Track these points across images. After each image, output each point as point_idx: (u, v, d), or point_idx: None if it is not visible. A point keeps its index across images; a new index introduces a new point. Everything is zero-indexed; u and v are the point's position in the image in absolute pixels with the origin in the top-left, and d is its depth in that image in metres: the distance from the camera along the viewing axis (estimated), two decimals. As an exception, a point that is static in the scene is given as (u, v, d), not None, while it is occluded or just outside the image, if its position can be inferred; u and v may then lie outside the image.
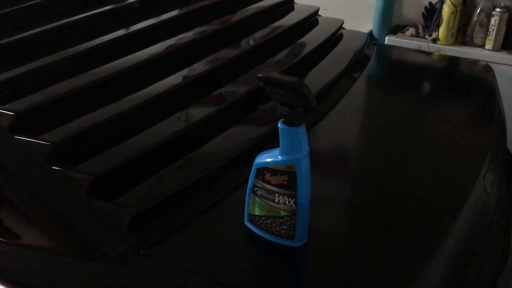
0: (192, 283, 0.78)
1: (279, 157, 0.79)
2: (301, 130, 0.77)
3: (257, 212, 0.85)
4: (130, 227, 0.85)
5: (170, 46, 1.28)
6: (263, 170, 0.81)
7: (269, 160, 0.81)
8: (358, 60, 1.49)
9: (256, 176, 0.83)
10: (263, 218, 0.84)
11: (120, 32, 1.28)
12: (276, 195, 0.81)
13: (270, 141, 1.08)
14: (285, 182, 0.80)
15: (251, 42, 1.41)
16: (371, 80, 1.44)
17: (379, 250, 0.84)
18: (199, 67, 1.25)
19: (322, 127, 1.17)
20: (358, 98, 1.34)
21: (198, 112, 1.11)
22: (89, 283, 0.80)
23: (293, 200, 0.80)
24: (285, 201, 0.81)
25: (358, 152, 1.16)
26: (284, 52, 1.41)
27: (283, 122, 0.77)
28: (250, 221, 0.86)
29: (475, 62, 1.63)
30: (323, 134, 1.17)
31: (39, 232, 0.88)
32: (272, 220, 0.83)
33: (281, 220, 0.82)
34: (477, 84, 1.48)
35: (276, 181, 0.80)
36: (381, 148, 1.14)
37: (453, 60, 1.65)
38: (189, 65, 1.25)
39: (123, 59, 1.19)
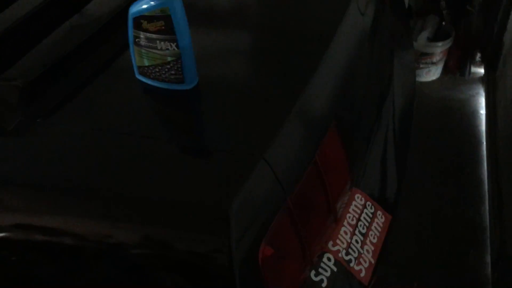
0: (99, 140, 0.81)
1: (152, 2, 0.80)
2: (168, -28, 0.77)
3: (144, 63, 0.87)
4: (21, 100, 0.85)
5: None
6: (139, 19, 0.82)
7: (142, 7, 0.81)
8: None
9: (134, 27, 0.83)
10: (151, 68, 0.86)
11: None
12: (158, 41, 0.83)
13: None
14: (163, 27, 0.81)
15: None
16: None
17: (261, 79, 0.90)
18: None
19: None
20: None
21: None
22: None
23: (175, 43, 0.82)
24: (168, 46, 0.83)
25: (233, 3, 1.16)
26: None
27: (148, -34, 0.77)
28: (140, 73, 0.89)
29: None
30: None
31: None
32: (160, 67, 0.86)
33: (168, 66, 0.85)
34: None
35: (154, 27, 0.81)
36: None
37: None
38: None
39: None
